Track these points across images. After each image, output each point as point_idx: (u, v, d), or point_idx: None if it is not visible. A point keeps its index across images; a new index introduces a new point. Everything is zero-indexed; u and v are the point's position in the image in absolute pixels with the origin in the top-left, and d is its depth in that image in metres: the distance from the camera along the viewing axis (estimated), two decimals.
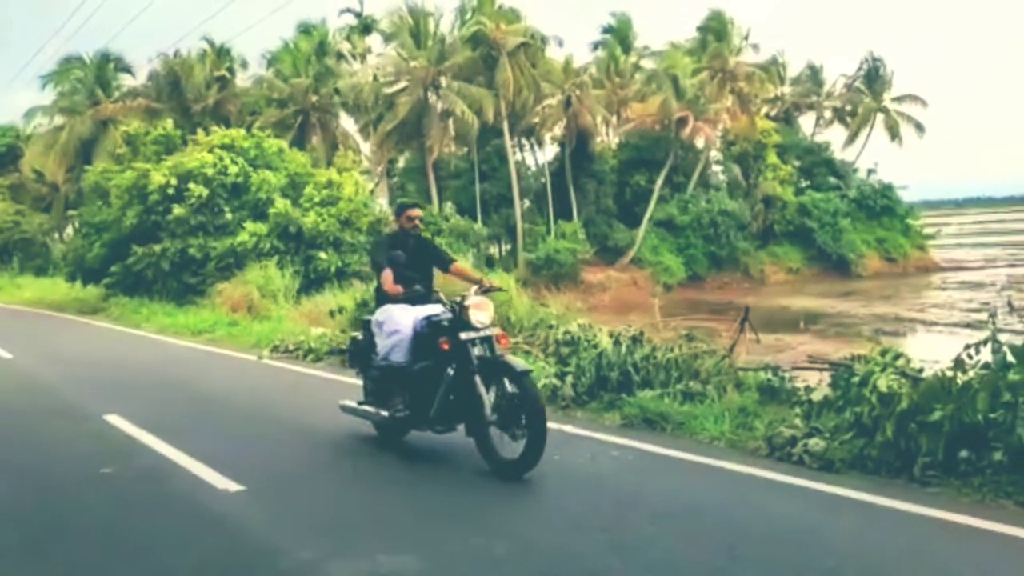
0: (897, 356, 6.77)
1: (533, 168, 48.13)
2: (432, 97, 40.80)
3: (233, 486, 6.08)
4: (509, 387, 6.05)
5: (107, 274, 23.06)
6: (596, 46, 49.65)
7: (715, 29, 47.20)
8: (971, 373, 6.01)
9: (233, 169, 21.78)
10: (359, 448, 7.28)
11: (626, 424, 7.66)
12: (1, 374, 12.94)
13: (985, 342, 6.10)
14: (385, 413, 6.78)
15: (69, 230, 41.74)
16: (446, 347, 6.31)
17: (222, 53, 43.54)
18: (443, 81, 40.23)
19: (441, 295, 6.88)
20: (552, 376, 8.85)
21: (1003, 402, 5.69)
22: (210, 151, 22.12)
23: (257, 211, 21.90)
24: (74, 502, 6.06)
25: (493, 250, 43.37)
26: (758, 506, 5.54)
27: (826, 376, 7.59)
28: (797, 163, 49.83)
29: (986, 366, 6.02)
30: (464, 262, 11.33)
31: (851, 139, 52.98)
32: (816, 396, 7.02)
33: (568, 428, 7.53)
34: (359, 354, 7.42)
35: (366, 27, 46.19)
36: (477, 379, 6.17)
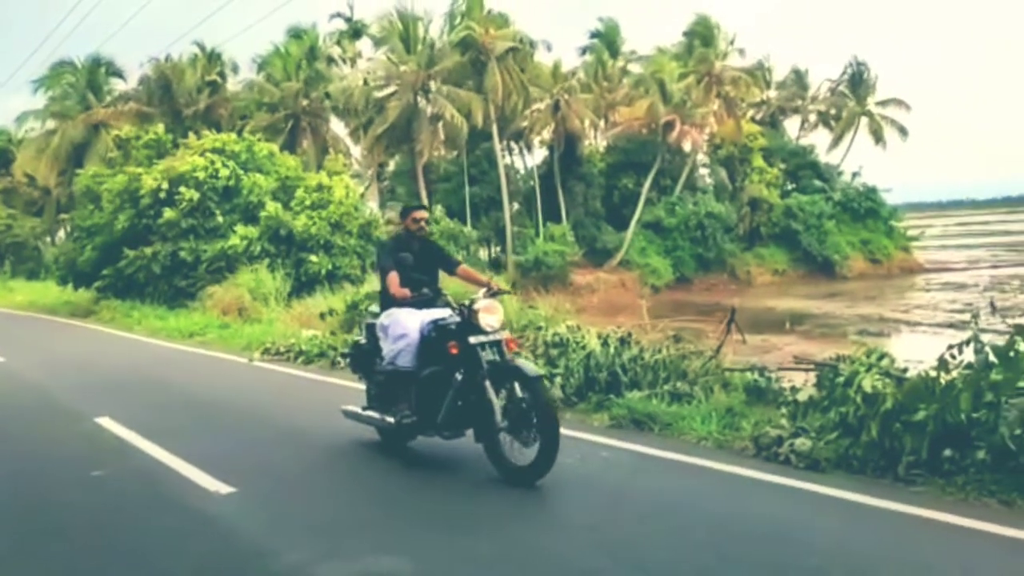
0: (882, 356, 6.79)
1: (522, 171, 48.38)
2: (422, 101, 40.83)
3: (224, 488, 6.08)
4: (519, 392, 5.92)
5: (99, 277, 23.03)
6: (584, 51, 49.91)
7: (701, 34, 47.33)
8: (954, 373, 6.03)
9: (224, 173, 21.78)
10: (350, 450, 7.26)
11: (614, 425, 7.69)
12: None
13: (968, 342, 6.13)
14: (390, 419, 6.61)
15: (61, 234, 41.89)
16: (455, 351, 6.15)
17: (213, 58, 43.60)
18: (433, 85, 40.35)
19: (449, 298, 6.74)
20: None
21: (986, 402, 5.72)
22: (201, 155, 22.12)
23: (248, 214, 21.91)
24: (65, 505, 6.04)
25: (483, 253, 43.46)
26: (745, 505, 5.57)
27: (812, 376, 7.57)
28: (783, 166, 50.04)
29: (969, 366, 6.04)
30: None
31: (836, 142, 53.37)
32: (802, 396, 7.07)
33: None
34: (362, 359, 7.28)
35: (356, 32, 46.23)
36: (487, 384, 6.01)
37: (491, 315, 6.22)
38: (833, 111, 53.76)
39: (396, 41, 41.00)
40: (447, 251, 7.79)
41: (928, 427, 5.76)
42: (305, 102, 41.26)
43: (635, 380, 8.50)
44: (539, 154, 47.89)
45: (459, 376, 6.16)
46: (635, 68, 49.03)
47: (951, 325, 24.93)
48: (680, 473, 6.37)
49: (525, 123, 43.13)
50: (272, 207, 21.20)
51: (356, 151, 45.01)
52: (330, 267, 20.80)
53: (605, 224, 45.04)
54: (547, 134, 44.28)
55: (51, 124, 43.52)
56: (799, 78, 54.33)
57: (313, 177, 23.24)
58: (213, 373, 12.87)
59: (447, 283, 7.36)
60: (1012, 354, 5.83)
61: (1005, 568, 4.52)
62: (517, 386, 5.94)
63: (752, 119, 51.76)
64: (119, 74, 45.22)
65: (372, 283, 18.66)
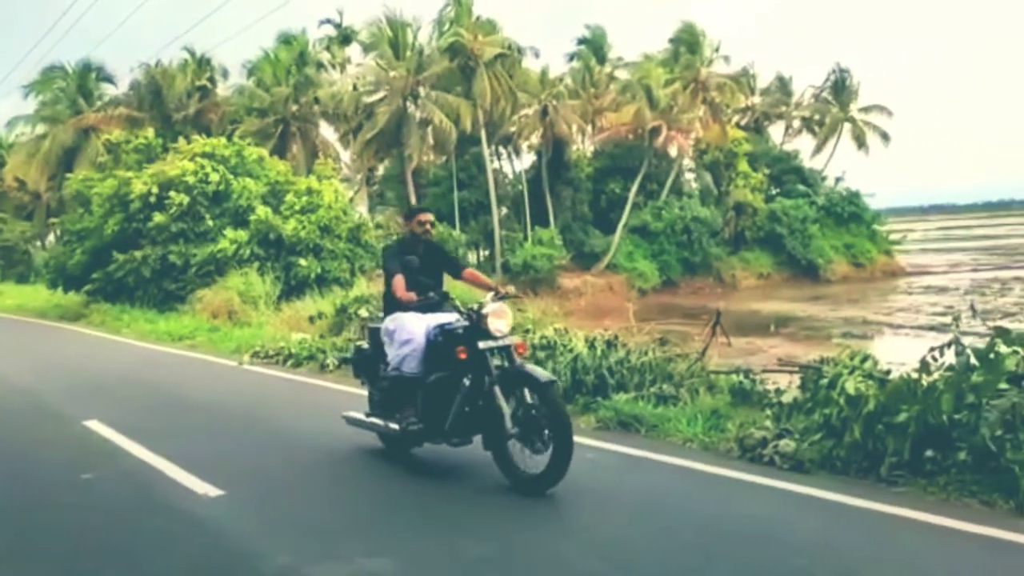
0: (865, 359, 6.84)
1: (511, 176, 48.58)
2: (411, 106, 40.95)
3: (213, 491, 6.08)
4: (529, 398, 5.80)
5: (88, 281, 22.95)
6: (571, 57, 50.17)
7: (687, 41, 47.57)
8: (936, 375, 6.09)
9: (214, 177, 21.73)
10: (340, 453, 7.24)
11: (601, 427, 7.72)
12: None
13: (949, 345, 6.17)
14: (395, 426, 6.47)
15: (51, 238, 41.83)
16: (463, 356, 5.99)
17: (203, 63, 43.68)
18: (422, 91, 40.48)
19: (456, 302, 6.61)
20: None
21: (967, 403, 5.79)
22: (191, 159, 22.05)
23: (238, 218, 21.86)
24: (55, 507, 6.03)
25: (471, 256, 43.51)
26: (731, 506, 5.62)
27: (796, 378, 7.62)
28: (767, 171, 50.30)
29: (950, 368, 6.09)
30: None
31: (819, 148, 53.98)
32: (786, 398, 7.12)
33: None
34: (365, 364, 7.10)
35: (346, 38, 46.23)
36: (497, 390, 5.88)
37: (500, 320, 6.09)
38: (817, 117, 54.23)
39: (385, 47, 41.05)
40: (453, 254, 7.65)
41: (910, 428, 5.81)
42: (295, 107, 41.22)
43: (622, 382, 8.54)
44: (527, 159, 48.26)
45: (467, 382, 6.02)
46: (622, 74, 49.20)
47: (933, 328, 25.08)
48: (666, 474, 6.40)
49: (513, 128, 43.37)
50: (262, 211, 21.17)
51: (346, 156, 45.10)
52: (319, 271, 20.80)
53: (592, 228, 45.31)
54: (535, 139, 44.49)
55: (41, 129, 43.60)
56: (783, 84, 54.89)
57: (303, 181, 23.23)
58: (203, 376, 12.83)
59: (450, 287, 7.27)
60: (992, 356, 5.91)
61: (986, 567, 4.57)
62: (527, 392, 5.84)
63: (737, 125, 52.12)
64: (109, 79, 45.41)
65: (361, 287, 18.74)
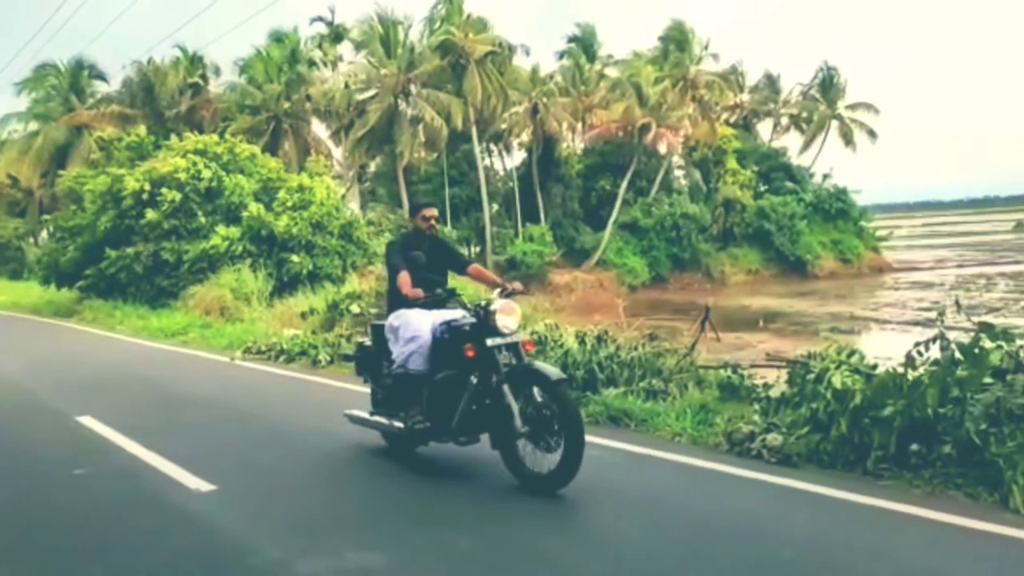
0: (851, 353, 6.90)
1: (501, 173, 48.61)
2: (402, 104, 40.89)
3: (205, 486, 6.10)
4: (538, 396, 5.70)
5: (81, 277, 22.91)
6: (562, 55, 50.07)
7: (676, 39, 47.67)
8: (921, 370, 6.14)
9: (206, 174, 21.70)
10: (333, 448, 7.25)
11: (591, 421, 7.69)
12: None
13: (934, 340, 6.23)
14: (400, 424, 6.37)
15: (44, 234, 41.67)
16: (471, 354, 5.87)
17: (195, 60, 43.64)
18: (413, 88, 40.42)
19: (463, 299, 6.51)
20: None
21: (952, 397, 5.84)
22: (183, 156, 22.02)
23: (230, 215, 21.85)
24: (47, 503, 6.05)
25: (463, 253, 43.44)
26: (720, 500, 5.66)
27: (784, 373, 7.60)
28: (756, 168, 50.51)
29: (936, 363, 6.13)
30: None
31: (807, 145, 54.21)
32: (774, 393, 7.17)
33: None
34: (368, 361, 6.98)
35: (337, 35, 46.06)
36: (505, 388, 5.75)
37: (509, 316, 5.95)
38: (804, 114, 54.42)
39: (376, 45, 40.94)
40: (457, 250, 7.52)
41: (896, 422, 5.86)
42: (287, 104, 41.11)
43: (611, 377, 8.59)
44: (518, 156, 48.27)
45: (474, 380, 5.91)
46: (612, 72, 49.20)
47: (919, 323, 25.18)
48: (656, 468, 6.44)
49: (504, 126, 43.42)
50: (254, 208, 21.14)
51: (337, 153, 44.92)
52: (311, 267, 20.78)
53: (583, 225, 45.44)
54: (526, 136, 44.58)
55: (34, 126, 43.64)
56: (771, 82, 55.10)
57: (295, 178, 23.21)
58: (195, 372, 12.84)
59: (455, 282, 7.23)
60: (977, 351, 5.96)
61: (970, 559, 4.61)
62: (535, 390, 5.74)
63: (726, 122, 52.27)
64: (102, 76, 45.35)
65: (352, 283, 18.77)
